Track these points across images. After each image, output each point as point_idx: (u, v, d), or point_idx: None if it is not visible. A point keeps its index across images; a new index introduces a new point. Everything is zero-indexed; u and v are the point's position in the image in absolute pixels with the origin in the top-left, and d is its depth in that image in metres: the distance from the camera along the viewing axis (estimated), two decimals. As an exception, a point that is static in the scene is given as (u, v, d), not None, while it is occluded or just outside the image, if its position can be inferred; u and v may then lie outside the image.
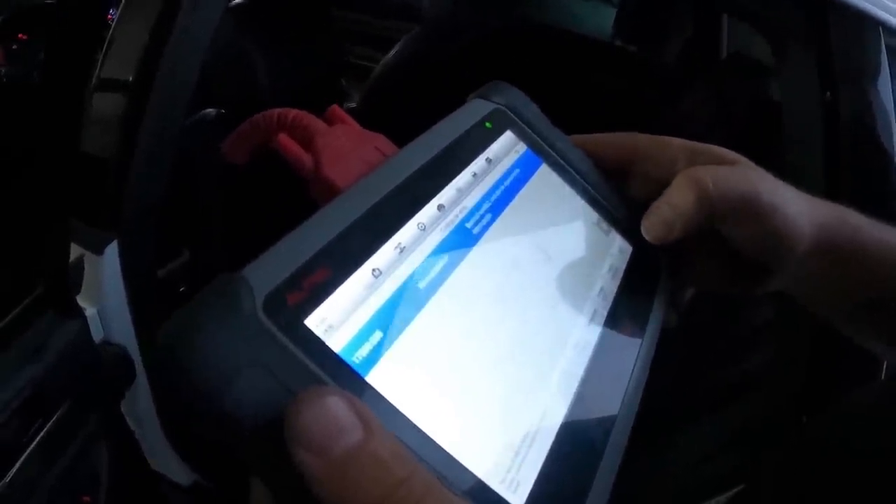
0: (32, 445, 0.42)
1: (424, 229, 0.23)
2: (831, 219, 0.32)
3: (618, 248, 0.31)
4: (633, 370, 0.26)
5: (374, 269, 0.20)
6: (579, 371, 0.24)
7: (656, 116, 0.97)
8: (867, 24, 0.60)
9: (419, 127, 0.27)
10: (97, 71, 0.59)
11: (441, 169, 0.25)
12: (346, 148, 0.26)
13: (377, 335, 0.19)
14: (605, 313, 0.27)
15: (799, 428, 0.60)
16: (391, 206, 0.22)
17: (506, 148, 0.29)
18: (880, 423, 0.32)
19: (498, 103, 0.30)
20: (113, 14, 0.62)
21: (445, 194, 0.24)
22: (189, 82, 0.60)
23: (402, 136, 0.29)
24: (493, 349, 0.22)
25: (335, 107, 0.28)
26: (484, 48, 1.09)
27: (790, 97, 0.63)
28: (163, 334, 0.17)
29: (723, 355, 0.77)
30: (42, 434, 0.43)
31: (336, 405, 0.16)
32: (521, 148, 0.30)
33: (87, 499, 0.51)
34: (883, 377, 0.56)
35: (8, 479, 0.41)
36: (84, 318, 0.50)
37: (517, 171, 0.28)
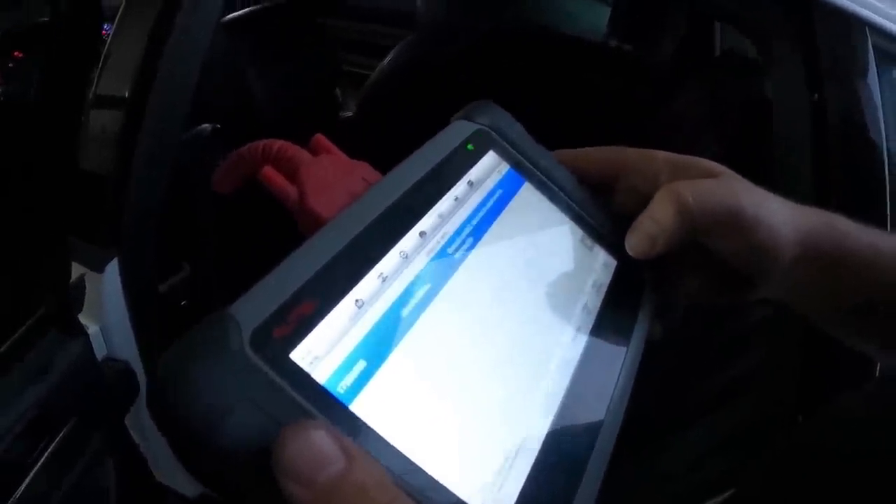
0: (39, 464, 0.43)
1: (406, 257, 0.23)
2: (818, 225, 0.32)
3: (602, 264, 0.31)
4: (616, 382, 0.27)
5: (356, 300, 0.21)
6: (562, 388, 0.25)
7: (650, 116, 0.97)
8: (853, 23, 0.60)
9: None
10: (93, 87, 0.59)
11: (423, 195, 0.26)
12: (330, 178, 0.27)
13: (360, 364, 0.20)
14: (589, 328, 0.28)
15: (789, 431, 0.61)
16: (373, 235, 0.23)
17: (488, 169, 0.29)
18: (871, 426, 0.32)
19: (481, 124, 0.30)
20: (108, 30, 0.62)
21: (427, 221, 0.25)
22: (185, 97, 0.60)
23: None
24: (476, 372, 0.23)
25: (319, 136, 0.29)
26: (479, 52, 1.10)
27: (779, 97, 0.63)
28: (159, 371, 0.18)
29: (711, 361, 0.77)
30: (48, 453, 0.44)
31: (319, 438, 0.17)
32: (504, 168, 0.30)
33: (95, 514, 0.52)
34: (878, 377, 0.57)
35: (16, 497, 0.41)
36: (87, 336, 0.50)
37: (500, 191, 0.29)
